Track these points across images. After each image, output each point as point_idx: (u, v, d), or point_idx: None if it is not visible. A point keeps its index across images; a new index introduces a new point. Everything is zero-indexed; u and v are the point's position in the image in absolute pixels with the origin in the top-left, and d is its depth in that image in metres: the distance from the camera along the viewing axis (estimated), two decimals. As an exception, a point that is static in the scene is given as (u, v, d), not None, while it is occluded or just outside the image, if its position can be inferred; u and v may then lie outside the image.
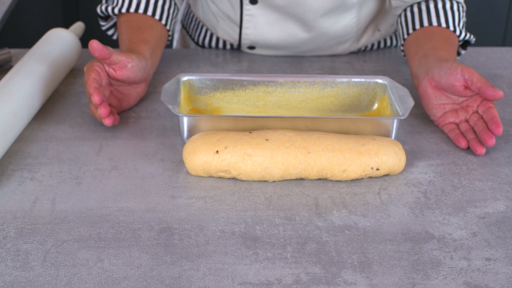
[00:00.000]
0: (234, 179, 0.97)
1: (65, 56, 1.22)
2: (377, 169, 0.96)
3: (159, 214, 0.90)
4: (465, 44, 1.26)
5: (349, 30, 1.34)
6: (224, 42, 1.39)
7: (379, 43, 1.42)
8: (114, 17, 1.27)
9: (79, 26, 1.34)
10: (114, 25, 1.30)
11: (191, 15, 1.45)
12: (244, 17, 1.31)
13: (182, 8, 1.52)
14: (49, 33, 1.25)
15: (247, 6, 1.30)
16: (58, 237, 0.85)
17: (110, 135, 1.08)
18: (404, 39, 1.24)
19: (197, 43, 1.44)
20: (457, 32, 1.21)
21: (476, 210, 0.92)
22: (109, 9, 1.25)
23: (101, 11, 1.27)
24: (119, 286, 0.78)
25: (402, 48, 1.26)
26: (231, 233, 0.86)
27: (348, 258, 0.82)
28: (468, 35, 1.23)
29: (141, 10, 1.23)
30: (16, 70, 1.11)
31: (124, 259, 0.82)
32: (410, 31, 1.23)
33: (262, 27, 1.32)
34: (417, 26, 1.22)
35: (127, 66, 1.09)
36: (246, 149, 0.95)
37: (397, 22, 1.29)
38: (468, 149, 1.06)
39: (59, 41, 1.23)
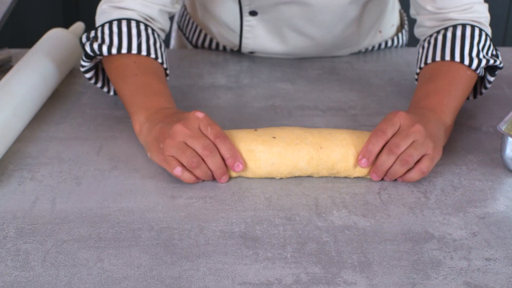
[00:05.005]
0: (234, 178, 0.97)
1: (65, 56, 1.22)
2: None
3: (159, 214, 0.90)
4: (495, 68, 1.14)
5: (351, 37, 1.34)
6: (224, 47, 1.39)
7: (379, 44, 1.42)
8: (100, 57, 1.12)
9: (79, 26, 1.34)
10: (94, 67, 1.14)
11: (187, 17, 1.44)
12: (244, 28, 1.31)
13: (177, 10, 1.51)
14: (49, 33, 1.25)
15: (247, 17, 1.29)
16: (58, 237, 0.85)
17: (110, 135, 1.08)
18: (417, 73, 1.15)
19: (195, 46, 1.43)
20: (466, 62, 1.09)
21: (476, 210, 0.92)
22: (104, 48, 1.08)
23: (92, 50, 1.09)
24: (119, 286, 0.77)
25: (416, 77, 1.16)
26: (231, 233, 0.86)
27: (348, 258, 0.82)
28: (484, 61, 1.10)
29: (143, 52, 1.09)
30: (16, 70, 1.11)
31: (124, 259, 0.82)
32: (422, 64, 1.14)
33: (263, 37, 1.31)
34: (429, 60, 1.12)
35: None
36: (250, 146, 0.94)
37: (418, 49, 1.20)
38: (468, 149, 1.05)
39: (59, 41, 1.23)
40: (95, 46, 1.09)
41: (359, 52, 1.40)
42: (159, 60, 1.11)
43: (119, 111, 1.15)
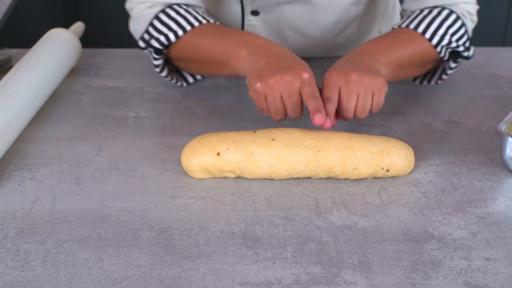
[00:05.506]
0: (234, 178, 0.97)
1: (65, 56, 1.22)
2: (387, 170, 0.96)
3: (159, 214, 0.90)
4: (458, 55, 1.17)
5: (351, 38, 1.34)
6: None
7: (379, 43, 1.42)
8: (164, 50, 1.16)
9: (79, 26, 1.34)
10: (165, 64, 1.20)
11: None
12: (246, 27, 1.31)
13: None
14: (49, 33, 1.25)
15: (248, 17, 1.30)
16: (58, 237, 0.85)
17: (110, 135, 1.08)
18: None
19: None
20: (427, 35, 1.13)
21: (476, 210, 0.92)
22: (171, 35, 1.13)
23: (160, 43, 1.13)
24: (119, 286, 0.77)
25: None
26: (231, 233, 0.86)
27: (348, 258, 0.82)
28: (446, 41, 1.13)
29: (204, 21, 1.14)
30: (16, 70, 1.11)
31: (124, 259, 0.82)
32: (390, 29, 1.19)
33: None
34: (396, 26, 1.17)
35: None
36: (249, 148, 0.94)
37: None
38: (468, 149, 1.06)
39: (59, 41, 1.23)
40: (162, 38, 1.13)
41: (359, 52, 1.40)
42: (218, 24, 1.15)
43: (119, 111, 1.15)
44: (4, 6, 1.60)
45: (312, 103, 0.96)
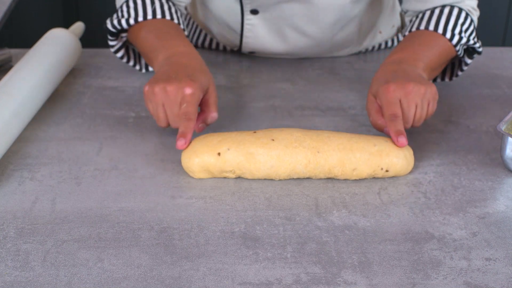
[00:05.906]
0: (234, 178, 0.97)
1: (65, 56, 1.22)
2: (386, 171, 0.96)
3: (159, 214, 0.90)
4: (473, 52, 1.21)
5: (351, 37, 1.34)
6: (224, 47, 1.39)
7: (380, 45, 1.42)
8: (124, 34, 1.22)
9: (79, 26, 1.34)
10: (123, 46, 1.24)
11: (188, 17, 1.45)
12: (245, 27, 1.31)
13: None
14: (49, 33, 1.25)
15: (248, 16, 1.30)
16: (58, 237, 0.85)
17: (110, 135, 1.08)
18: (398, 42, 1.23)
19: (195, 46, 1.43)
20: (447, 35, 1.15)
21: (476, 210, 0.92)
22: (123, 21, 1.17)
23: (113, 26, 1.19)
24: (119, 286, 0.77)
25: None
26: (231, 233, 0.86)
27: (348, 258, 0.82)
28: (465, 39, 1.16)
29: (158, 15, 1.17)
30: (16, 70, 1.11)
31: (124, 259, 0.82)
32: (406, 33, 1.19)
33: (263, 36, 1.32)
34: (414, 29, 1.18)
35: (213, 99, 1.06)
36: (250, 148, 0.94)
37: (406, 22, 1.28)
38: (468, 149, 1.06)
39: (59, 41, 1.23)
40: (115, 21, 1.18)
41: (359, 53, 1.40)
42: (175, 21, 1.18)
43: (119, 111, 1.15)
44: (4, 6, 1.60)
45: (181, 124, 0.97)
